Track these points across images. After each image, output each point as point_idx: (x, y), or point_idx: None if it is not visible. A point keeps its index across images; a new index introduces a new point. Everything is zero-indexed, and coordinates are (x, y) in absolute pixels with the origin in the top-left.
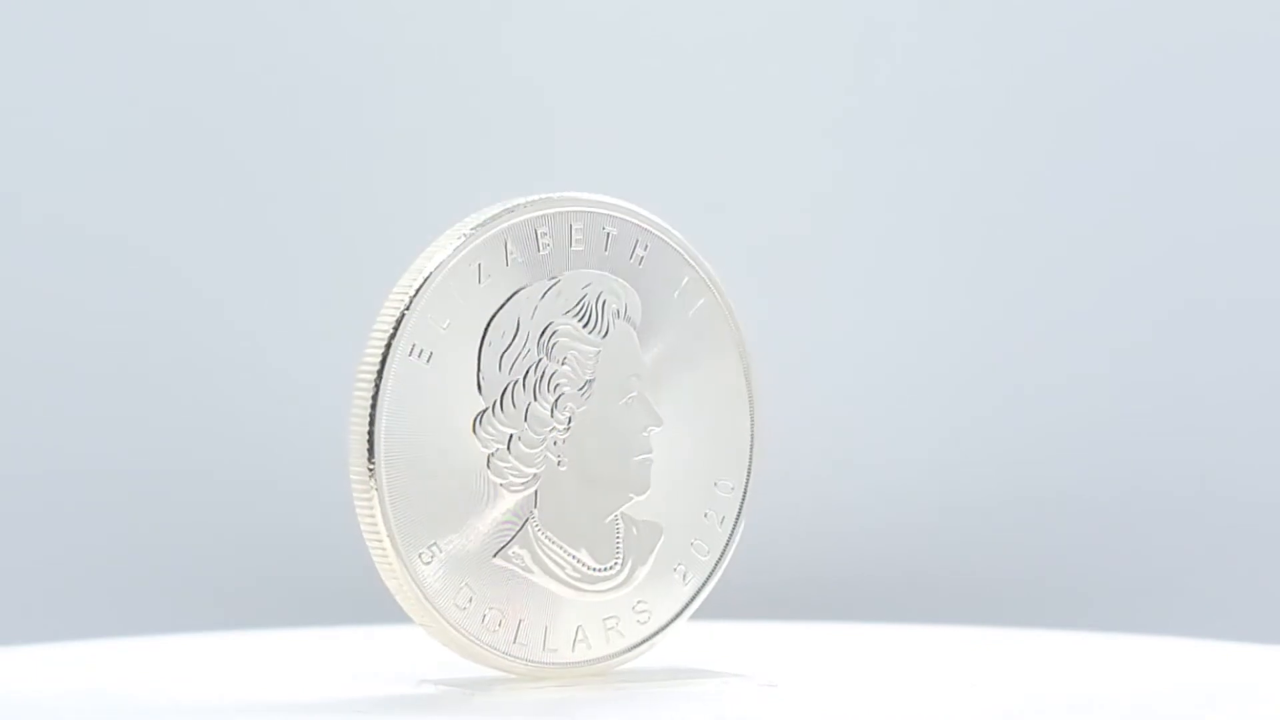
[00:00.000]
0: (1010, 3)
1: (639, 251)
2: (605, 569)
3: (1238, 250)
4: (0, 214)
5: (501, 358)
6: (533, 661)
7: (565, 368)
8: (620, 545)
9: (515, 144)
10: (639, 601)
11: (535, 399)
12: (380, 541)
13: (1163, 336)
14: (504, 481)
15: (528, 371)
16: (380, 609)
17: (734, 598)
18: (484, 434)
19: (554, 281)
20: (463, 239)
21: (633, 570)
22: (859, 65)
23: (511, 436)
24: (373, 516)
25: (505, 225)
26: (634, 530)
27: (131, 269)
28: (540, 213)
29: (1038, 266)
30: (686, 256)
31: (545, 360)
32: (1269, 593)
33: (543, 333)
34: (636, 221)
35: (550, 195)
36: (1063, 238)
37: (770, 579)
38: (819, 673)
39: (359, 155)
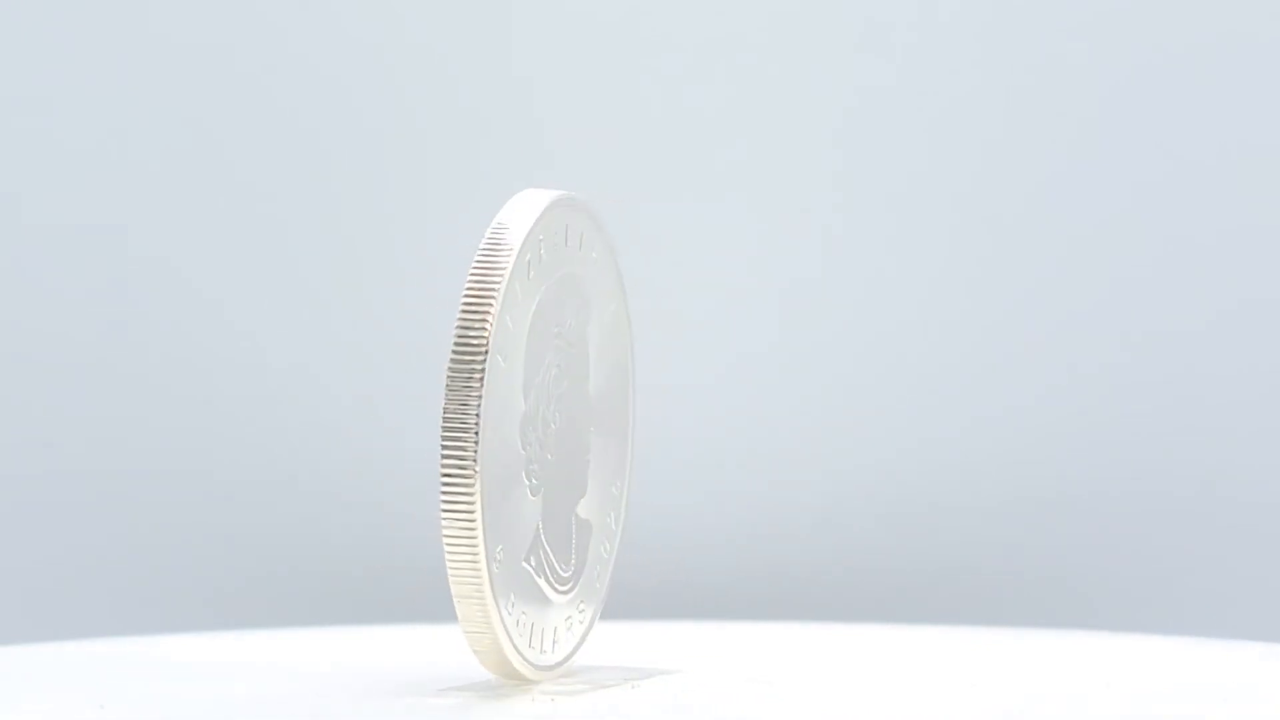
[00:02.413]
0: (1012, 5)
1: (592, 254)
2: (568, 571)
3: (1238, 251)
4: (0, 214)
5: (538, 360)
6: (533, 665)
7: (560, 370)
8: (574, 547)
9: (515, 143)
10: (581, 602)
11: (547, 402)
12: (474, 545)
13: (1163, 337)
14: (530, 485)
15: (546, 375)
16: (377, 610)
17: (734, 597)
18: (524, 436)
19: (558, 282)
20: (527, 232)
21: (580, 571)
22: (860, 67)
23: (536, 439)
24: (472, 519)
25: (540, 222)
26: (581, 532)
27: (132, 270)
28: (556, 210)
29: (1039, 267)
30: (612, 260)
31: (554, 363)
32: (1270, 592)
33: (552, 336)
34: (594, 221)
35: (563, 193)
36: (1064, 239)
37: (770, 579)
38: (817, 673)
39: (359, 155)
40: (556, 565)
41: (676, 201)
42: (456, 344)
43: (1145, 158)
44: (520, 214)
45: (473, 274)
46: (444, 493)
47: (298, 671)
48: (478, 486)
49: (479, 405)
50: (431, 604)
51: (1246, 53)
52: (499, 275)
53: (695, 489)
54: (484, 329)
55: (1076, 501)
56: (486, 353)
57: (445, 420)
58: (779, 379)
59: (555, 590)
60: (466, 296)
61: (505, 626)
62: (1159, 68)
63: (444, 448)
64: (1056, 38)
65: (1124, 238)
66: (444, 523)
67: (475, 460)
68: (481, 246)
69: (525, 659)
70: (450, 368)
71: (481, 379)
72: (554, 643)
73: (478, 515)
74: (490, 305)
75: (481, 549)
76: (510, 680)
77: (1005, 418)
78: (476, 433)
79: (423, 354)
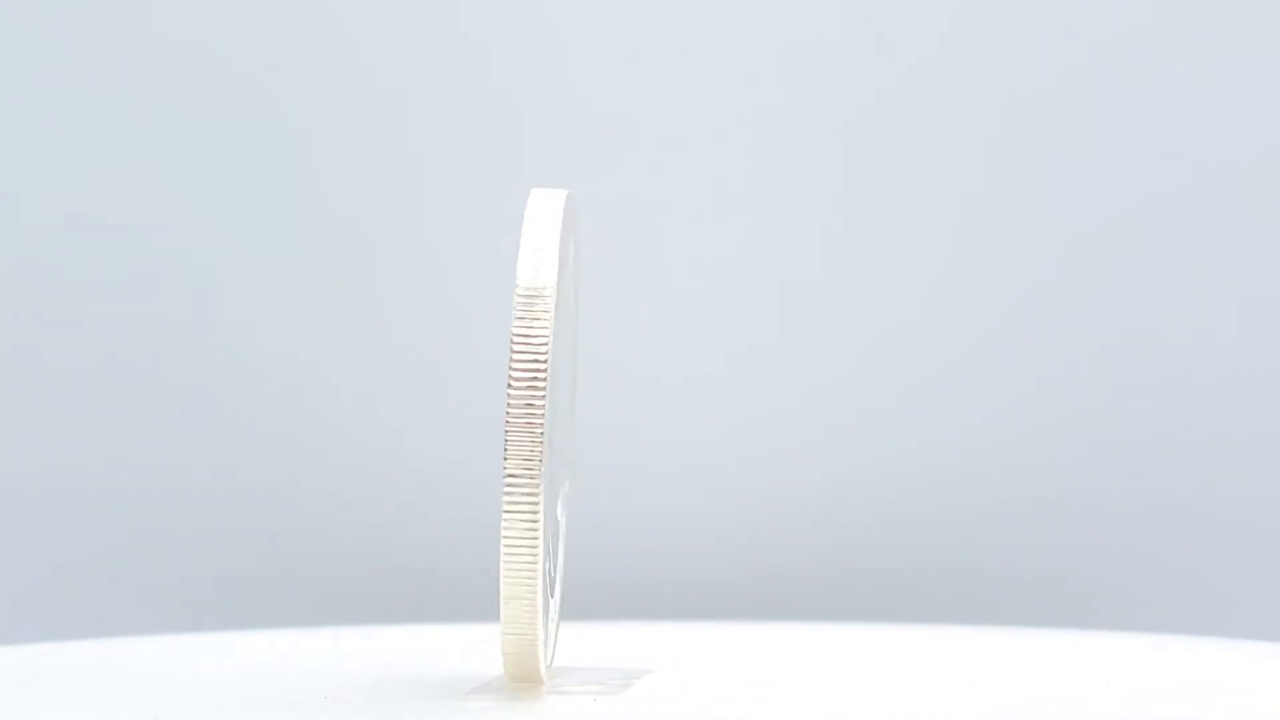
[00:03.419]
0: (1013, 8)
1: (570, 255)
2: (555, 572)
3: (1237, 253)
4: (1, 214)
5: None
6: (547, 666)
7: (554, 371)
8: (556, 548)
9: (515, 142)
10: (554, 603)
11: (559, 406)
12: (534, 547)
13: (1163, 338)
14: (546, 485)
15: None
16: (377, 610)
17: (734, 597)
18: (556, 441)
19: (564, 285)
20: (561, 236)
21: (557, 571)
22: (862, 68)
23: (549, 439)
24: (535, 520)
25: (565, 224)
26: (558, 533)
27: (132, 270)
28: (568, 211)
29: (1039, 268)
30: (574, 261)
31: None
32: (1270, 592)
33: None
34: (572, 222)
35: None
36: (1064, 240)
37: (770, 579)
38: (817, 673)
39: (359, 156)
40: (550, 566)
41: (676, 201)
42: (518, 344)
43: (1145, 160)
44: (551, 217)
45: (524, 276)
46: (507, 493)
47: (314, 673)
48: (543, 488)
49: (544, 406)
50: (431, 604)
51: (1247, 56)
52: (550, 276)
53: (695, 489)
54: (545, 330)
55: (1076, 501)
56: (548, 353)
57: (510, 421)
58: (779, 379)
59: (550, 593)
60: (523, 297)
61: (546, 622)
62: (1158, 71)
63: (509, 447)
64: (1057, 39)
65: (1124, 239)
66: (505, 523)
67: (541, 461)
68: (526, 250)
69: (545, 661)
70: (513, 368)
71: (546, 380)
72: (550, 643)
73: (540, 517)
74: (549, 307)
75: (541, 551)
76: (519, 682)
77: (1005, 418)
78: (543, 433)
79: (423, 354)
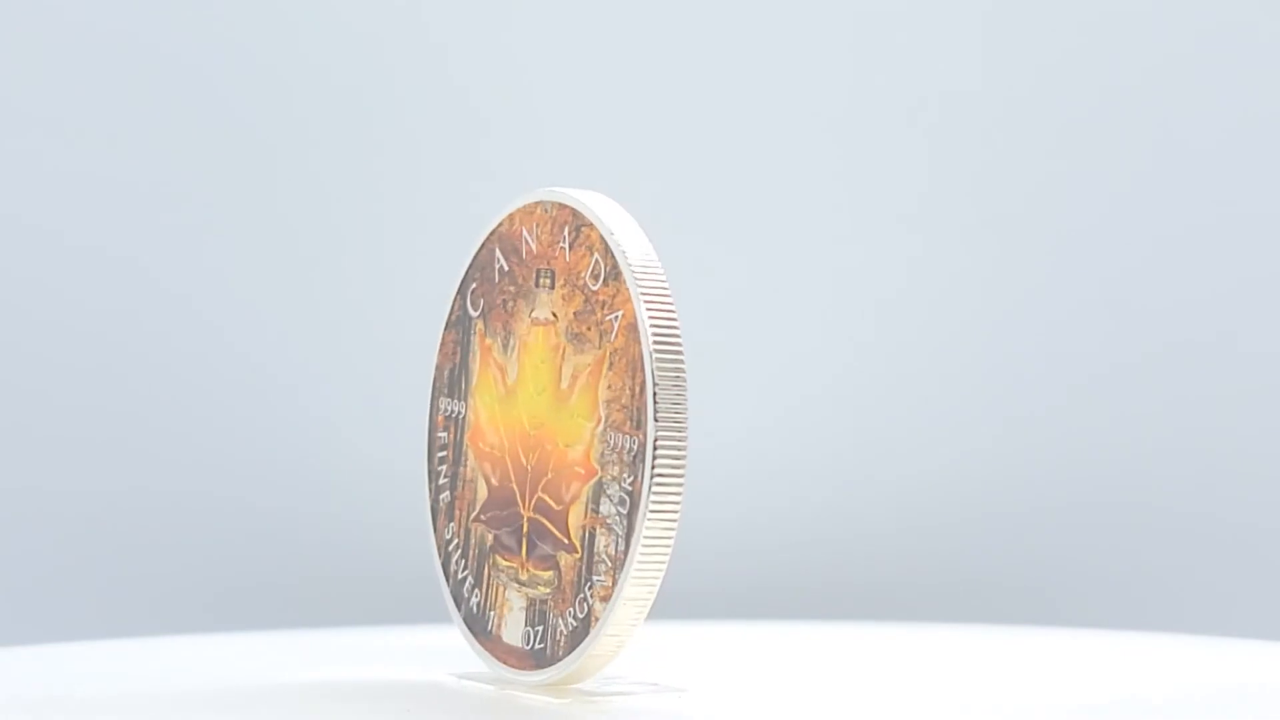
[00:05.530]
0: (1020, 13)
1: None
2: None
3: (1234, 253)
4: (4, 234)
5: None
6: None
7: None
8: None
9: (516, 144)
10: None
11: None
12: (668, 547)
13: (1163, 343)
14: None
15: None
16: (377, 611)
17: (734, 598)
18: None
19: None
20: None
21: None
22: (867, 73)
23: None
24: (675, 519)
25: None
26: None
27: (136, 274)
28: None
29: (1042, 282)
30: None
31: None
32: (1269, 591)
33: None
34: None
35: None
36: (1063, 244)
37: (771, 579)
38: (818, 673)
39: (359, 158)
40: None
41: (679, 204)
42: (659, 344)
43: (1147, 174)
44: (624, 218)
45: (641, 281)
46: (656, 492)
47: (320, 675)
48: (685, 486)
49: (685, 403)
50: (428, 605)
51: (1250, 73)
52: (662, 274)
53: (696, 490)
54: (677, 326)
55: (1076, 503)
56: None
57: (660, 419)
58: (777, 381)
59: None
60: (652, 300)
61: None
62: (1168, 85)
63: (659, 447)
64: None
65: (1124, 243)
66: (649, 522)
67: (685, 458)
68: (633, 258)
69: None
70: (659, 366)
71: (685, 376)
72: None
73: (680, 517)
74: (673, 301)
75: (671, 553)
76: (568, 683)
77: (1006, 424)
78: (686, 434)
79: (422, 354)
